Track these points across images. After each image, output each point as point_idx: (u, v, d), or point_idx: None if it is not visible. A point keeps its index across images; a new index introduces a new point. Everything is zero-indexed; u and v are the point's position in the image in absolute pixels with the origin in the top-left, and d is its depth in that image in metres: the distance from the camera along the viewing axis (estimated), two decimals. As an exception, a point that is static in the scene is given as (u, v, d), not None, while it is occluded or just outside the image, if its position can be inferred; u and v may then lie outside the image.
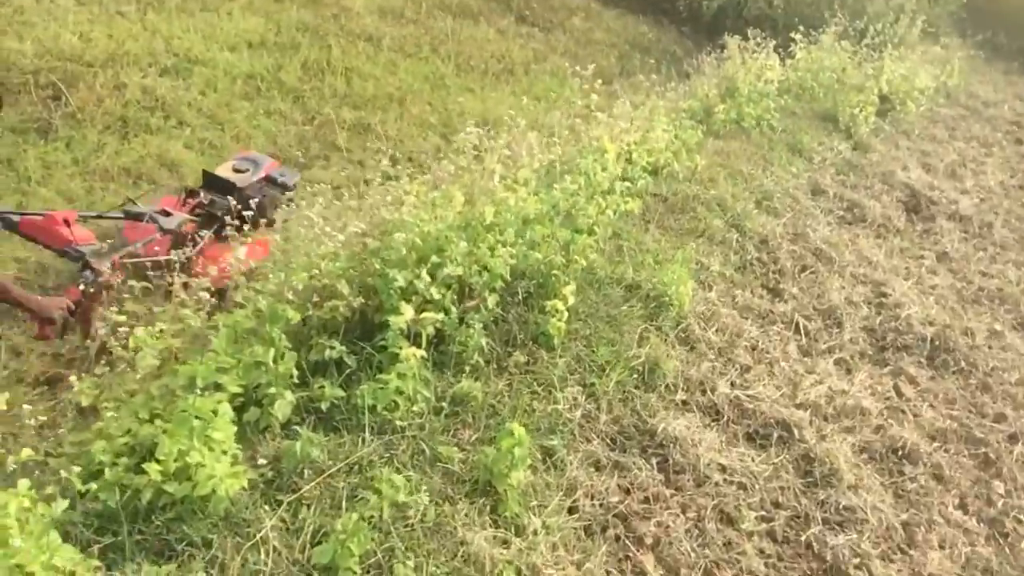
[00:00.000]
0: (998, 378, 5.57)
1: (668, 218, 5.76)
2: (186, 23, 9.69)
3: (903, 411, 4.96)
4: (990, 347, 5.91)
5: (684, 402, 4.41)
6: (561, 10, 14.20)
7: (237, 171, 5.49)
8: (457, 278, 3.96)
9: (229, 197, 4.72)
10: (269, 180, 5.61)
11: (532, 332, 4.29)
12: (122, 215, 4.80)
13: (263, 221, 5.12)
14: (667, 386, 4.41)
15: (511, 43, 12.23)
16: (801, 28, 10.39)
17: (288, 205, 5.19)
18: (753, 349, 5.06)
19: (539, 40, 12.84)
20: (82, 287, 3.85)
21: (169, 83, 8.47)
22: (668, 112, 7.48)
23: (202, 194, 5.22)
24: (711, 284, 5.42)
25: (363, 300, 3.80)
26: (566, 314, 4.18)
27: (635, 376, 4.34)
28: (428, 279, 3.77)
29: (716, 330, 5.04)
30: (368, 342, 3.81)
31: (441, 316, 3.75)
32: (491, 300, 4.03)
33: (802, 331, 5.41)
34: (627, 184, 5.64)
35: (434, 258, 3.90)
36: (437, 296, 3.79)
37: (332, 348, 3.67)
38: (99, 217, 4.91)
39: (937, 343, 5.71)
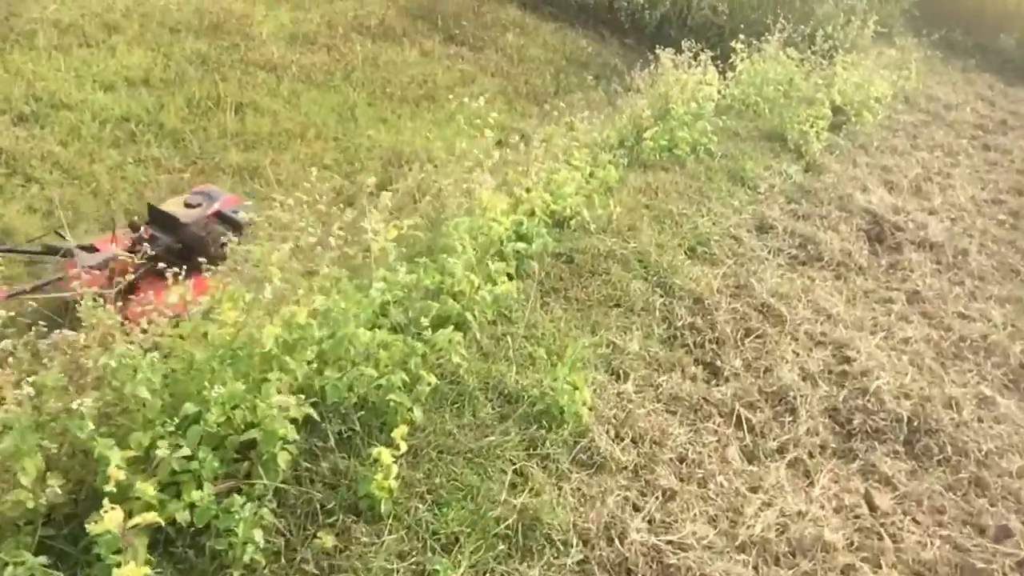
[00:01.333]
0: (995, 467, 4.27)
1: (573, 285, 4.43)
2: (58, 62, 8.28)
3: (879, 535, 3.64)
4: (980, 421, 4.62)
5: (581, 563, 3.07)
6: (494, 27, 12.87)
7: (188, 206, 5.04)
8: (222, 438, 2.62)
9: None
10: (220, 216, 5.08)
11: (346, 498, 2.94)
12: (39, 249, 4.38)
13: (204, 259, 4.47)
14: (555, 546, 3.05)
15: (436, 65, 10.88)
16: (743, 37, 9.13)
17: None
18: (681, 461, 3.73)
19: (468, 60, 11.50)
20: None
21: (22, 133, 7.09)
22: (589, 142, 6.17)
23: (143, 229, 4.71)
24: (627, 372, 4.09)
25: (69, 483, 2.45)
26: (394, 469, 2.82)
27: (504, 546, 2.98)
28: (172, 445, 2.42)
29: (631, 440, 3.70)
30: (80, 545, 2.46)
31: (180, 507, 2.40)
32: (281, 459, 2.68)
33: (745, 426, 4.08)
34: (521, 246, 4.32)
35: (188, 406, 2.56)
36: (182, 467, 2.44)
37: (20, 564, 2.31)
38: (10, 251, 4.45)
39: (915, 423, 4.41)
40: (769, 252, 5.66)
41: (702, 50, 7.82)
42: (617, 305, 4.36)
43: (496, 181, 4.72)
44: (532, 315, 3.95)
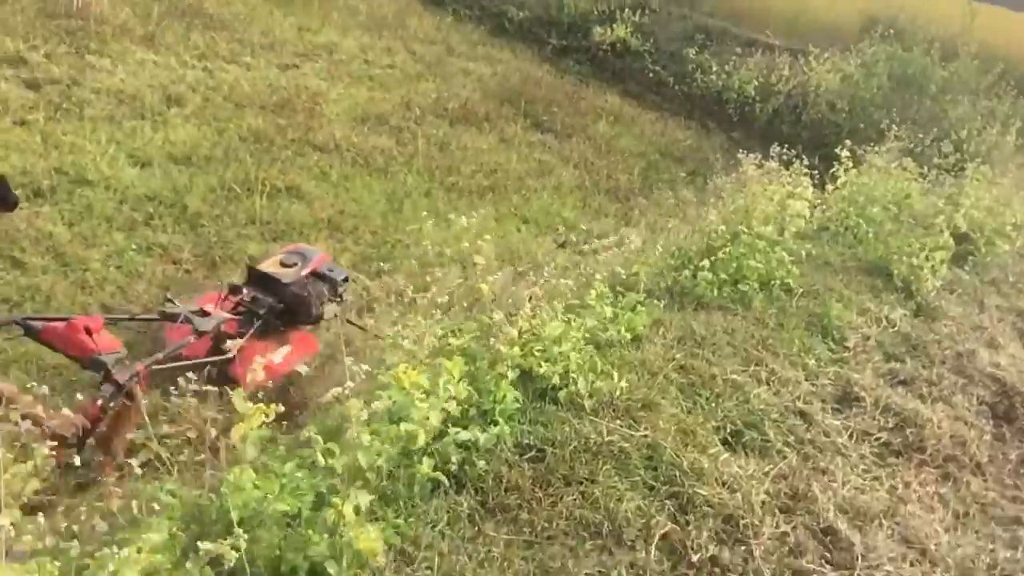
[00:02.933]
0: None
1: (532, 501, 2.97)
2: (101, 134, 7.57)
3: None
4: None
5: None
6: (588, 114, 11.71)
7: (284, 265, 4.93)
8: None
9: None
10: (316, 275, 4.93)
11: None
12: (156, 316, 4.35)
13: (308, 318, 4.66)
14: None
15: (511, 153, 9.77)
16: (850, 142, 7.53)
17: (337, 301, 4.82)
18: None
19: (550, 150, 10.34)
20: (100, 403, 3.32)
21: (30, 209, 6.30)
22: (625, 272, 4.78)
23: (244, 291, 4.64)
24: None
25: None
26: None
27: None
28: None
29: None
30: None
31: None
32: None
33: None
34: (466, 437, 2.95)
35: None
36: None
37: None
38: (131, 319, 4.47)
39: None
40: (849, 437, 4.07)
41: (797, 156, 6.32)
42: (596, 534, 2.90)
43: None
44: (448, 560, 2.55)
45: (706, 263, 4.84)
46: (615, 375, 3.47)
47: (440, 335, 3.35)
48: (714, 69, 12.76)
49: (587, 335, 3.72)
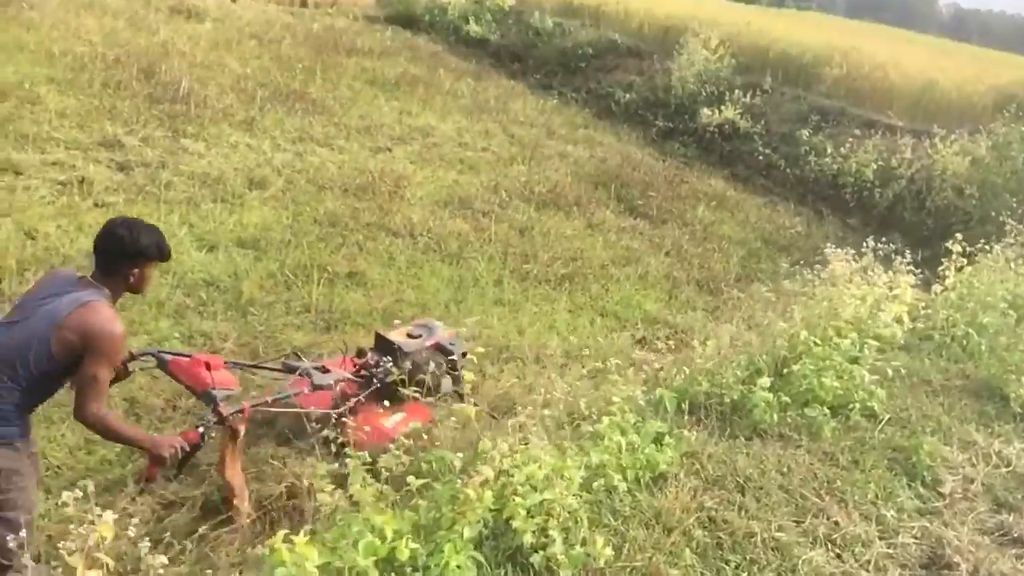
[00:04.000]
0: None
1: None
2: (176, 216, 7.48)
3: None
4: None
5: None
6: (687, 199, 10.95)
7: (411, 336, 5.08)
8: None
9: (389, 359, 4.63)
10: (438, 348, 5.06)
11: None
12: (280, 367, 4.57)
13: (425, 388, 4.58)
14: None
15: (599, 239, 9.11)
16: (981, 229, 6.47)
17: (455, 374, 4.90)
18: None
19: (642, 236, 9.62)
20: (201, 430, 3.50)
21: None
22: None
23: (369, 355, 4.83)
24: None
25: None
26: None
27: None
28: None
29: None
30: None
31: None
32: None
33: None
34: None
35: None
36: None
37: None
38: (255, 367, 4.74)
39: None
40: (931, 627, 3.11)
41: (898, 250, 5.39)
42: None
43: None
44: None
45: (765, 380, 3.99)
46: (598, 539, 2.69)
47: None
48: (829, 151, 11.77)
49: (590, 474, 2.97)
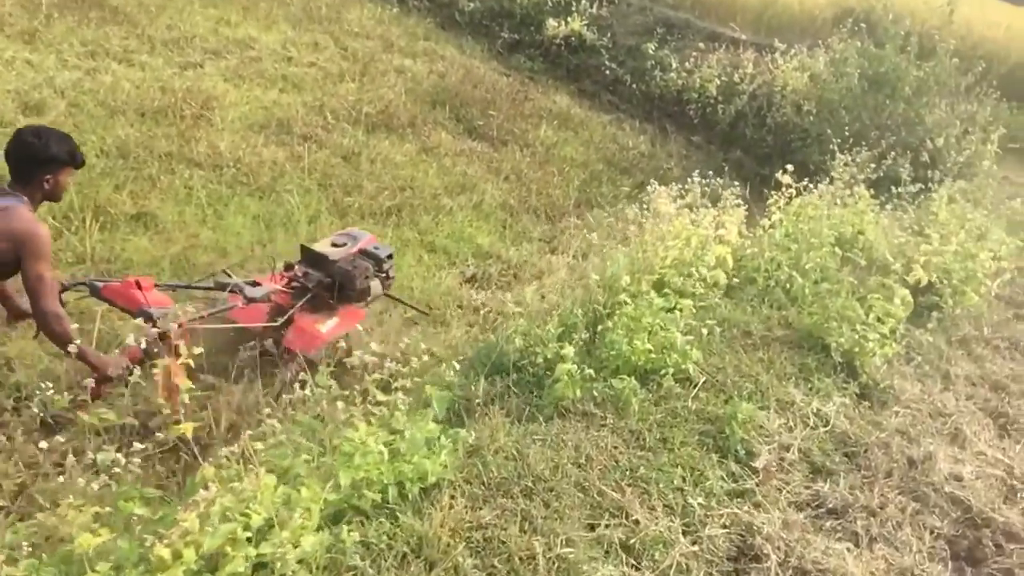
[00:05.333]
0: None
1: None
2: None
3: None
4: None
5: None
6: (531, 117, 10.24)
7: (335, 245, 5.04)
8: None
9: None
10: (364, 253, 5.05)
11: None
12: (211, 285, 4.49)
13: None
14: None
15: (433, 165, 8.34)
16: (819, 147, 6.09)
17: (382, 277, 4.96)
18: None
19: (481, 160, 8.92)
20: (143, 346, 3.39)
21: None
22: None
23: (296, 267, 4.85)
24: None
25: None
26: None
27: None
28: None
29: None
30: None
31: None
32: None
33: None
34: None
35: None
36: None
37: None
38: (187, 287, 4.66)
39: None
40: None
41: (725, 184, 4.91)
42: None
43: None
44: None
45: (569, 349, 3.44)
46: None
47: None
48: (674, 66, 11.29)
49: (341, 498, 2.33)
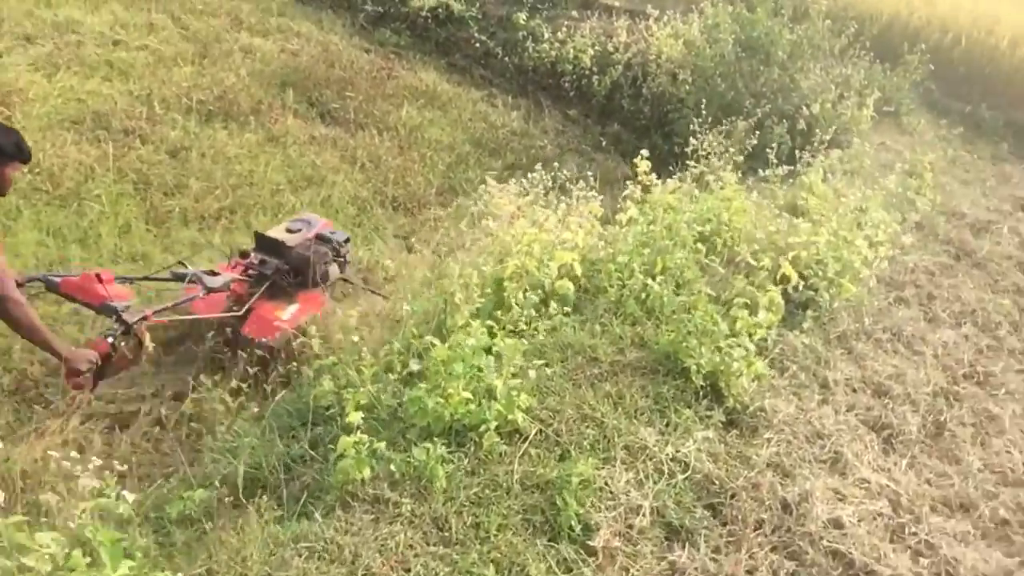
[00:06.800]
0: None
1: None
2: None
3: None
4: None
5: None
6: (393, 97, 9.28)
7: (289, 231, 4.95)
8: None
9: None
10: (320, 239, 4.95)
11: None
12: (168, 276, 4.45)
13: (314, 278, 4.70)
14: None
15: (278, 157, 7.33)
16: (695, 117, 5.36)
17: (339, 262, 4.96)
18: None
19: (334, 147, 7.94)
20: (111, 340, 3.50)
21: None
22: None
23: (252, 255, 4.75)
24: None
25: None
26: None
27: None
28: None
29: None
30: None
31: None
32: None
33: None
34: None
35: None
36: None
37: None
38: (145, 279, 4.52)
39: None
40: None
41: (580, 176, 4.13)
42: None
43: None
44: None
45: (355, 415, 2.61)
46: None
47: None
48: (547, 37, 10.47)
49: None
